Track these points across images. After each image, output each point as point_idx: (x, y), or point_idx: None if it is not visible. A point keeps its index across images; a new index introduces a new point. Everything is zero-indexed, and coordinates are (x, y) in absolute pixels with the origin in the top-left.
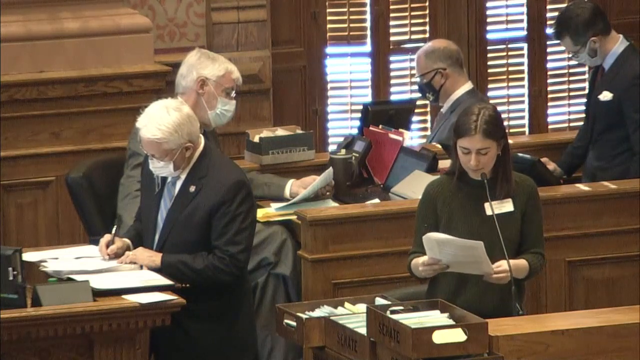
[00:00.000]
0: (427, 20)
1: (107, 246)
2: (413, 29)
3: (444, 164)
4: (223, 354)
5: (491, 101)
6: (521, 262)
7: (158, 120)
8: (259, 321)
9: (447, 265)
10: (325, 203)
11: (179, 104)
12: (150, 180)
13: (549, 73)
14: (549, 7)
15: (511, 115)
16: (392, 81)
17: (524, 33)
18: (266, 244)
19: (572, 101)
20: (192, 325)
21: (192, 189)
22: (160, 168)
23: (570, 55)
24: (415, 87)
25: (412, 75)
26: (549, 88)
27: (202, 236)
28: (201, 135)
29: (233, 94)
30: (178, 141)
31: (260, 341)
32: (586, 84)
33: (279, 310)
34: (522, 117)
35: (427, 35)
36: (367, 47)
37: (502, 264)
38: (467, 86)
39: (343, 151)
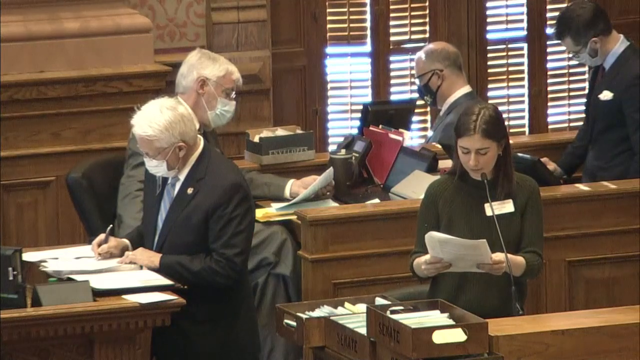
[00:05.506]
0: (427, 20)
1: (99, 246)
2: (413, 29)
3: (444, 164)
4: (223, 356)
5: (491, 101)
6: (518, 258)
7: (150, 117)
8: (259, 321)
9: (450, 263)
10: (325, 203)
11: (175, 104)
12: (152, 182)
13: (549, 73)
14: (549, 7)
15: (511, 115)
16: (392, 81)
17: (524, 33)
18: (266, 244)
19: (572, 101)
20: (192, 328)
21: (190, 191)
22: (154, 167)
23: (570, 55)
24: (415, 87)
25: (412, 75)
26: (549, 88)
27: (200, 238)
28: (200, 137)
29: (233, 95)
30: (169, 140)
31: (260, 341)
32: (586, 84)
33: (279, 310)
34: (522, 117)
35: (427, 35)
36: (367, 47)
37: (498, 255)
38: (465, 89)
39: (343, 151)
